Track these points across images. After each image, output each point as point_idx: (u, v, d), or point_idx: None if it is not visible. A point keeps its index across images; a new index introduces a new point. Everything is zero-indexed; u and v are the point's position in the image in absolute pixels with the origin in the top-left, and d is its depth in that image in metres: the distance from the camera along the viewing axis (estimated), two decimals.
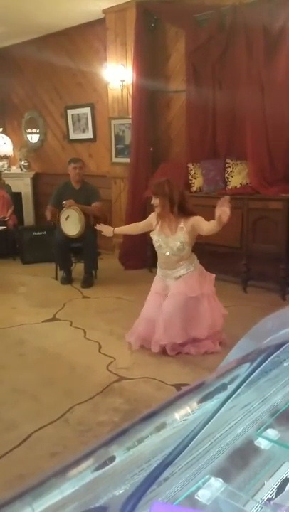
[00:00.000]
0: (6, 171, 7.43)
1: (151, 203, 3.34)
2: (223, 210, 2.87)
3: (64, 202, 4.90)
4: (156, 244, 3.36)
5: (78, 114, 6.65)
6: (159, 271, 3.48)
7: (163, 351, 3.31)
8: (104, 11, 5.67)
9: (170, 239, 3.27)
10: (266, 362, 0.66)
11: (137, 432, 0.54)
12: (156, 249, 3.40)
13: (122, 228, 3.99)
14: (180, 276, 3.33)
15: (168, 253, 3.30)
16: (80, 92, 6.56)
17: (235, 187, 4.71)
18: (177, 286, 3.31)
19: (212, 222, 3.03)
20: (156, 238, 3.34)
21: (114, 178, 6.10)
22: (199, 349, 3.31)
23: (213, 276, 3.42)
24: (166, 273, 3.40)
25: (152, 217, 3.43)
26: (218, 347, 3.31)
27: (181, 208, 3.21)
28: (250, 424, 0.68)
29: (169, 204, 3.19)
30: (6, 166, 7.58)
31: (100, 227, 3.79)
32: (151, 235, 3.42)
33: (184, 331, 3.25)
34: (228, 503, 0.53)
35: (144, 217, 5.37)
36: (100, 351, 3.42)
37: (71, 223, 4.94)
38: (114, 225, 6.11)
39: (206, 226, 3.14)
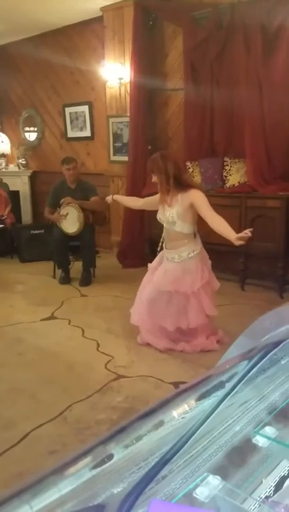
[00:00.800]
0: (3, 170, 7.42)
1: (152, 180, 3.31)
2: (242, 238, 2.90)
3: (62, 200, 4.89)
4: (157, 217, 3.35)
5: (76, 112, 6.64)
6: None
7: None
8: (102, 9, 5.66)
9: (166, 210, 3.22)
10: (264, 360, 0.66)
11: (135, 430, 0.54)
12: None
13: (122, 198, 3.91)
14: (171, 259, 3.30)
15: (165, 225, 3.28)
16: (78, 90, 6.55)
17: (234, 185, 4.71)
18: (157, 274, 3.32)
19: (224, 225, 3.03)
20: (158, 212, 3.34)
21: (112, 176, 6.09)
22: (195, 347, 3.31)
23: (207, 275, 3.33)
24: (165, 246, 3.38)
25: (150, 200, 3.45)
26: (215, 345, 3.31)
27: (177, 180, 3.15)
28: (248, 422, 0.68)
29: (164, 178, 3.15)
30: (3, 164, 7.56)
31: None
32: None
33: (151, 320, 3.33)
34: (226, 500, 0.54)
35: (142, 215, 5.42)
36: (98, 349, 3.42)
37: (70, 221, 4.93)
38: (112, 224, 6.14)
39: (210, 217, 3.08)
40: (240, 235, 2.91)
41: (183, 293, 3.25)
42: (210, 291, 3.36)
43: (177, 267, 3.26)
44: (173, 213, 3.17)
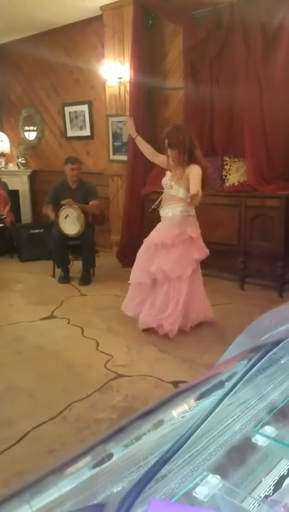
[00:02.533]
0: (3, 169, 7.42)
1: (169, 154, 3.42)
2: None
3: (63, 201, 4.88)
4: (167, 184, 3.49)
5: (76, 112, 6.64)
6: None
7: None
8: (102, 8, 5.65)
9: (174, 177, 3.44)
10: (264, 359, 0.66)
11: (135, 429, 0.54)
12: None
13: (143, 142, 3.87)
14: (165, 214, 3.52)
15: (165, 189, 3.51)
16: (78, 89, 6.55)
17: (233, 184, 4.71)
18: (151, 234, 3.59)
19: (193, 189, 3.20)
20: (169, 179, 3.49)
21: (111, 175, 6.09)
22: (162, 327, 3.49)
23: (189, 234, 3.48)
24: (161, 208, 3.57)
25: (165, 160, 3.54)
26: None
27: (189, 156, 3.32)
28: (247, 421, 0.68)
29: (182, 152, 3.31)
30: (3, 163, 7.56)
31: (129, 122, 3.89)
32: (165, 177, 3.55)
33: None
34: (226, 499, 0.54)
35: (141, 214, 5.41)
36: (97, 349, 3.42)
37: (70, 222, 4.92)
38: (112, 223, 6.13)
39: (191, 186, 3.24)
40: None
41: (163, 245, 3.46)
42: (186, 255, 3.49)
43: (166, 221, 3.50)
44: (171, 178, 3.42)
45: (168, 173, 3.53)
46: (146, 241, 3.62)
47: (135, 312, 3.69)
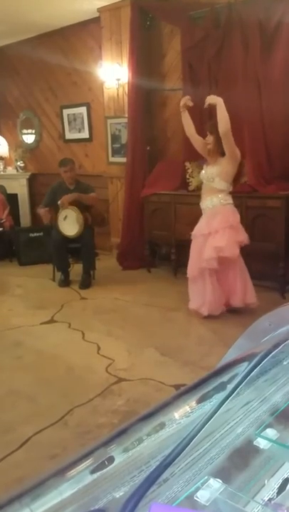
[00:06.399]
0: (1, 172, 7.42)
1: (206, 139, 3.81)
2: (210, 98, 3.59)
3: (59, 202, 4.88)
4: (208, 177, 3.82)
5: (74, 114, 6.65)
6: None
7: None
8: (99, 10, 5.67)
9: (208, 169, 3.82)
10: (265, 361, 0.66)
11: (136, 433, 0.53)
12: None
13: (188, 118, 4.02)
14: (206, 208, 3.84)
15: (205, 181, 3.86)
16: (76, 92, 6.55)
17: None
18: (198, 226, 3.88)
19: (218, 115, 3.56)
20: (210, 172, 3.81)
21: (110, 177, 6.09)
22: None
23: (233, 221, 3.82)
24: (202, 200, 3.90)
25: (200, 142, 3.89)
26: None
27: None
28: (249, 424, 0.68)
29: (219, 141, 3.68)
30: (1, 167, 7.56)
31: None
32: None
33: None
34: (228, 503, 0.53)
35: (141, 216, 5.41)
36: (98, 353, 3.42)
37: (69, 223, 4.92)
38: (112, 225, 6.13)
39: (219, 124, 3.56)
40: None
41: (206, 235, 3.80)
42: (232, 239, 3.79)
43: (208, 211, 3.82)
44: (213, 172, 3.75)
45: (205, 167, 3.87)
46: (194, 235, 3.89)
47: (196, 305, 3.96)
